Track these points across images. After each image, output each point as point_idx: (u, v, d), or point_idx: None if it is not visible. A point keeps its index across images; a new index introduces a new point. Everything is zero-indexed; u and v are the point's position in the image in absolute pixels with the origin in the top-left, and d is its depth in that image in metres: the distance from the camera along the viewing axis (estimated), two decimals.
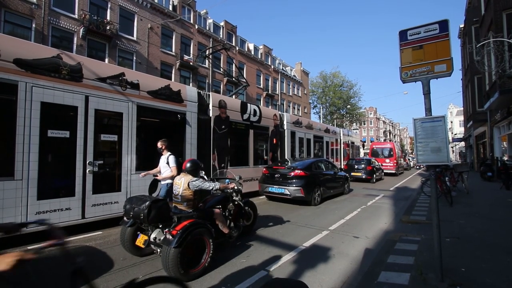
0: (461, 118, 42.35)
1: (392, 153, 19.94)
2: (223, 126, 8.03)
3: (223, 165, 7.95)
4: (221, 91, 24.33)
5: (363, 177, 14.40)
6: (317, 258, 3.83)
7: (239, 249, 4.18)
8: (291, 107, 35.54)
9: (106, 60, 16.04)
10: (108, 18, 16.65)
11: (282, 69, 34.76)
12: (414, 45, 3.23)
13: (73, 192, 4.76)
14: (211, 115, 7.67)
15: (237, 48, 26.77)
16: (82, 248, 4.18)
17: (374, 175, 14.66)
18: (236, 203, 4.49)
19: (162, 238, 3.33)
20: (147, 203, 3.20)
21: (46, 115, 4.49)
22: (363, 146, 25.51)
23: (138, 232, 3.60)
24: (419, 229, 5.08)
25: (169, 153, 5.08)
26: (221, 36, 25.35)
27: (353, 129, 38.26)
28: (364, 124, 69.11)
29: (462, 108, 33.19)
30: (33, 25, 13.58)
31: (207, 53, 18.07)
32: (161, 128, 6.46)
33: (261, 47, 31.11)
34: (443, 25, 3.07)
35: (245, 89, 16.85)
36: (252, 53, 29.21)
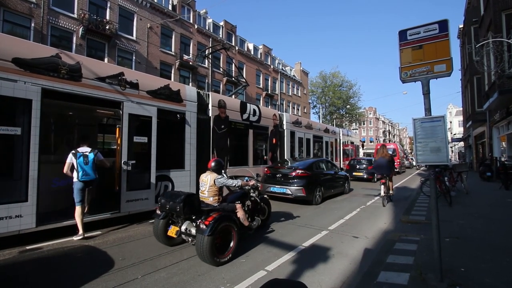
0: (461, 118, 42.40)
1: (395, 153, 21.36)
2: (222, 126, 8.02)
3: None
4: (221, 91, 24.32)
5: (365, 176, 14.66)
6: (316, 258, 3.82)
7: (238, 249, 4.17)
8: (290, 107, 35.56)
9: (106, 59, 16.01)
10: (107, 17, 16.63)
11: (282, 69, 34.76)
12: (413, 45, 3.23)
13: (26, 197, 4.20)
14: (210, 114, 7.65)
15: (237, 48, 26.76)
16: (81, 247, 4.18)
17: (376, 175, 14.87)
18: (253, 199, 4.88)
19: (192, 228, 3.80)
20: (182, 197, 3.67)
21: None
22: (363, 146, 25.54)
23: (170, 224, 4.04)
24: (419, 229, 5.09)
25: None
26: (220, 36, 25.34)
27: (353, 129, 38.28)
28: (364, 124, 69.11)
29: (461, 108, 33.26)
30: (32, 25, 13.55)
31: (206, 52, 18.05)
32: (161, 127, 6.42)
33: (260, 47, 31.10)
34: (443, 25, 3.07)
35: (245, 89, 16.83)
36: (252, 53, 29.20)
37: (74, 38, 15.03)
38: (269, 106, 30.03)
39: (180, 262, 3.64)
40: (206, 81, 23.30)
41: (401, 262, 3.49)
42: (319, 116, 37.94)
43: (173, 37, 20.82)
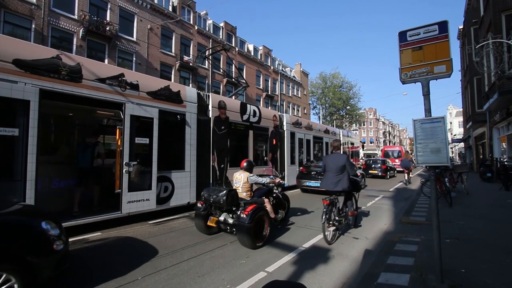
0: (461, 119, 42.43)
1: (400, 154, 25.14)
2: (222, 127, 8.02)
3: (222, 165, 7.94)
4: (221, 91, 24.34)
5: (379, 174, 16.75)
6: (316, 259, 3.82)
7: (239, 249, 4.18)
8: (290, 108, 35.57)
9: (106, 60, 16.04)
10: (108, 18, 16.65)
11: (282, 70, 34.79)
12: (413, 46, 3.23)
13: (23, 198, 4.14)
14: (210, 115, 7.65)
15: (237, 49, 26.79)
16: (81, 249, 4.17)
17: (388, 173, 17.25)
18: (275, 195, 5.45)
19: (229, 219, 4.50)
20: (224, 191, 4.37)
21: None
22: (363, 147, 25.61)
23: (209, 216, 4.69)
24: (419, 230, 5.08)
25: None
26: (220, 36, 25.37)
27: (353, 130, 38.30)
28: (364, 125, 69.12)
29: (461, 109, 33.35)
30: (33, 26, 13.57)
31: (206, 53, 18.08)
32: (161, 128, 6.42)
33: (260, 48, 31.14)
34: (443, 26, 3.07)
35: (245, 89, 16.84)
36: (252, 54, 29.23)
37: (75, 39, 15.05)
38: (269, 107, 30.04)
39: (180, 263, 3.63)
40: (206, 82, 23.31)
41: (401, 263, 3.48)
42: (319, 117, 37.98)
43: (173, 38, 20.85)
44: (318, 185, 9.26)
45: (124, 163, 5.34)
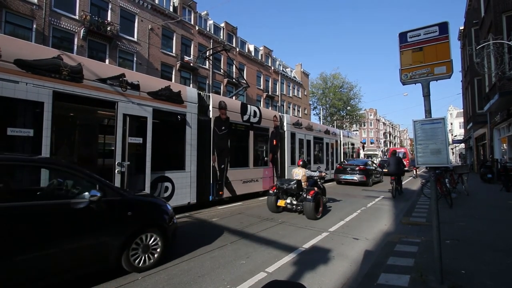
0: (461, 119, 42.45)
1: (405, 155, 26.94)
2: (223, 127, 8.03)
3: (222, 166, 7.95)
4: (221, 92, 24.35)
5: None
6: (316, 260, 3.82)
7: (239, 250, 4.18)
8: (291, 108, 35.58)
9: (107, 61, 16.07)
10: (108, 19, 16.69)
11: (282, 70, 34.80)
12: (414, 47, 3.23)
13: None
14: (211, 116, 7.66)
15: (238, 49, 26.81)
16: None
17: None
18: (317, 185, 7.17)
19: (293, 201, 6.48)
20: (295, 181, 6.43)
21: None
22: (363, 147, 25.63)
23: (278, 199, 6.63)
24: (419, 231, 5.07)
25: None
26: (221, 37, 25.40)
27: (353, 131, 38.32)
28: (364, 125, 69.13)
29: (462, 110, 33.41)
30: (34, 26, 13.61)
31: (207, 54, 18.11)
32: (161, 129, 6.43)
33: (261, 48, 31.15)
34: (443, 27, 3.08)
35: (245, 90, 16.89)
36: (253, 54, 29.25)
37: (76, 40, 15.08)
38: (270, 108, 30.05)
39: (180, 264, 3.64)
40: (207, 82, 23.33)
41: (401, 264, 3.48)
42: (319, 118, 37.98)
43: (174, 38, 20.88)
44: (352, 178, 13.03)
45: (116, 163, 5.28)
